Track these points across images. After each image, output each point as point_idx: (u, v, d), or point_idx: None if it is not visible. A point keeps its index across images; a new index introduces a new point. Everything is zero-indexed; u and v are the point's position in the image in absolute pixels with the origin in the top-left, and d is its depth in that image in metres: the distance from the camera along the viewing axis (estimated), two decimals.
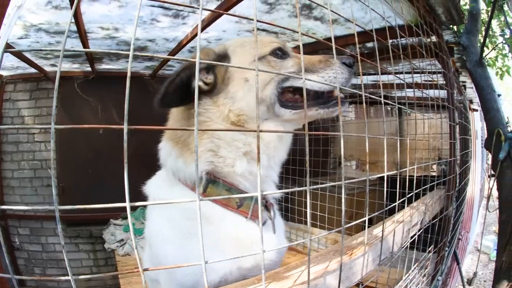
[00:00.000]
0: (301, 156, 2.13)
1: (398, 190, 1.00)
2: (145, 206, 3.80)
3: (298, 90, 1.05)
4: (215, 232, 0.98)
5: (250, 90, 1.00)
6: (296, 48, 2.75)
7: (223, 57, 1.07)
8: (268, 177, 1.10)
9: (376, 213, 0.92)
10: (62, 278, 0.52)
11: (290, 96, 1.06)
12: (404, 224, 1.19)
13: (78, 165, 4.03)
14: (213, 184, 1.01)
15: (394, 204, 0.99)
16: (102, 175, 3.83)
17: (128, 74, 0.52)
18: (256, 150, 0.94)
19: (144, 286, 0.54)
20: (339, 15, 0.94)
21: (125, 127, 0.50)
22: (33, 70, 3.66)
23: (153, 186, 1.18)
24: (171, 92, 0.97)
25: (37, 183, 4.06)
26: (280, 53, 1.07)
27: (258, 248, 0.84)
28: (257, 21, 0.66)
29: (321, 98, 1.07)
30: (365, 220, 0.87)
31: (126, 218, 3.70)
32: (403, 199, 0.99)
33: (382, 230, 0.91)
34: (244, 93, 1.01)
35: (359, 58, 0.91)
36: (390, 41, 1.94)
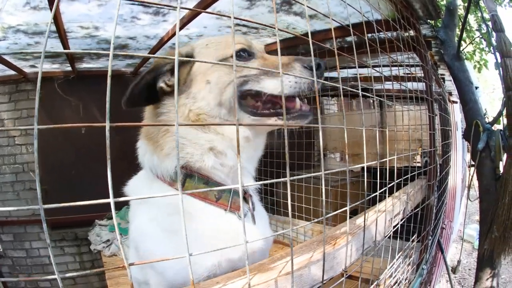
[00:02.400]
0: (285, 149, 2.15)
1: (379, 180, 1.03)
2: (129, 206, 3.79)
3: (259, 95, 1.05)
4: (197, 226, 0.98)
5: (211, 91, 1.01)
6: (275, 43, 2.78)
7: (189, 57, 1.07)
8: (243, 169, 1.10)
9: (359, 203, 0.94)
10: (49, 277, 0.52)
11: (252, 101, 1.06)
12: (386, 213, 1.23)
13: (61, 166, 3.98)
14: (190, 178, 1.02)
15: (375, 194, 1.01)
16: (86, 176, 3.78)
17: (109, 73, 0.53)
18: (219, 146, 1.02)
19: (130, 281, 0.54)
20: (316, 11, 0.95)
21: (107, 124, 0.50)
22: (12, 72, 3.58)
23: (133, 186, 1.18)
24: (137, 93, 0.99)
25: (19, 187, 3.98)
26: (244, 54, 1.07)
27: (241, 239, 0.89)
28: (235, 18, 0.67)
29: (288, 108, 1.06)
30: (348, 211, 0.88)
31: (111, 218, 3.66)
32: (383, 189, 1.01)
33: (364, 220, 0.93)
34: (205, 93, 1.02)
35: (336, 52, 0.91)
36: (369, 35, 1.98)
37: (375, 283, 1.21)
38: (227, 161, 1.04)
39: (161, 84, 1.03)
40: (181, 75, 1.04)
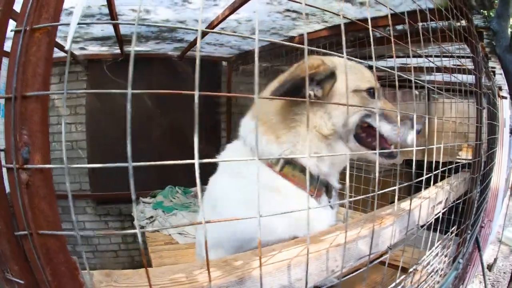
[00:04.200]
0: None
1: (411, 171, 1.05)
2: (174, 185, 3.97)
3: (370, 128, 1.21)
4: (284, 202, 1.12)
5: (342, 113, 1.15)
6: (323, 30, 2.76)
7: (332, 74, 1.18)
8: (331, 175, 1.25)
9: (403, 185, 0.97)
10: (130, 232, 0.57)
11: (360, 131, 1.22)
12: (429, 200, 1.25)
13: (107, 144, 4.14)
14: (289, 164, 1.16)
15: (409, 183, 1.04)
16: (133, 157, 3.93)
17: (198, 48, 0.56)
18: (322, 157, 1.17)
19: (205, 239, 0.58)
20: None
21: (196, 93, 0.53)
22: (62, 54, 3.77)
23: (228, 156, 1.31)
24: (289, 91, 1.09)
25: (68, 163, 4.22)
26: (371, 92, 1.21)
27: (315, 221, 1.10)
28: (306, 4, 0.72)
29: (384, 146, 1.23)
30: (394, 194, 0.92)
31: (154, 196, 3.83)
32: (419, 179, 1.05)
33: (410, 203, 0.96)
34: (339, 113, 1.15)
35: (392, 40, 0.95)
36: (420, 24, 1.95)
37: (414, 267, 1.24)
38: (323, 166, 1.20)
39: (309, 91, 1.14)
40: (325, 88, 1.16)
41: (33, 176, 0.54)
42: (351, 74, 1.20)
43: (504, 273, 5.42)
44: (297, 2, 0.70)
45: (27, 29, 0.54)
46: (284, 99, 1.14)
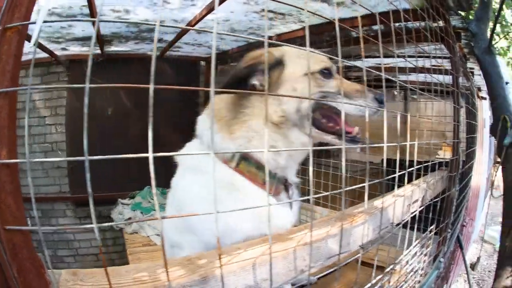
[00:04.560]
0: None
1: (383, 168, 1.04)
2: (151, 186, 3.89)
3: (328, 112, 1.20)
4: (242, 200, 1.10)
5: (294, 99, 1.13)
6: (300, 30, 2.77)
7: (279, 62, 1.17)
8: (289, 167, 1.25)
9: (371, 183, 0.96)
10: (88, 226, 0.57)
11: (319, 116, 1.20)
12: (404, 198, 1.24)
13: (87, 145, 4.07)
14: (245, 160, 1.16)
15: (388, 178, 1.03)
16: (108, 151, 3.89)
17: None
18: (280, 147, 1.16)
19: (161, 234, 0.58)
20: None
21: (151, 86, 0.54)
22: (44, 55, 3.71)
23: (186, 156, 1.28)
24: (231, 84, 1.11)
25: (48, 165, 4.14)
26: (326, 72, 1.19)
27: (276, 219, 1.09)
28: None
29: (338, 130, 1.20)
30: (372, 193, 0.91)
31: (133, 197, 3.80)
32: (390, 177, 1.04)
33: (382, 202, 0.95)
34: (289, 99, 1.14)
35: (361, 40, 0.95)
36: (396, 24, 1.96)
37: (391, 266, 1.23)
38: (280, 159, 1.19)
39: (255, 81, 1.14)
40: (272, 77, 1.16)
41: (0, 171, 0.55)
42: (302, 59, 1.18)
43: (489, 271, 5.51)
44: None
45: (0, 28, 0.56)
46: (238, 92, 1.15)
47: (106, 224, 0.62)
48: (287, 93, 1.14)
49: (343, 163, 0.72)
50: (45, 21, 0.58)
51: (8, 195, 0.56)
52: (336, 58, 0.98)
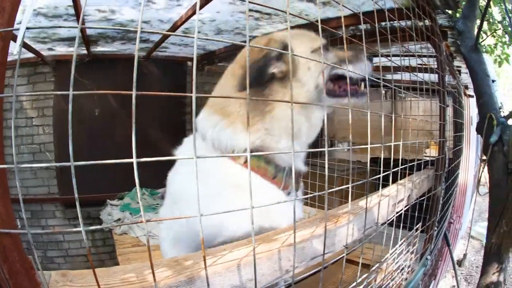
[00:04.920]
0: None
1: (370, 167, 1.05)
2: (141, 186, 3.89)
3: (338, 79, 1.25)
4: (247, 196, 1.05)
5: (312, 76, 1.17)
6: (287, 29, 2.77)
7: (285, 47, 1.15)
8: (299, 156, 1.25)
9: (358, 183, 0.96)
10: (74, 229, 0.58)
11: (331, 85, 1.25)
12: (389, 198, 1.26)
13: (74, 147, 4.04)
14: (254, 156, 1.13)
15: (375, 178, 1.04)
16: (98, 157, 3.86)
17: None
18: (304, 129, 1.18)
19: (147, 236, 0.59)
20: None
21: (133, 92, 0.54)
22: (30, 55, 3.67)
23: (186, 152, 1.26)
24: (254, 78, 1.07)
25: (36, 166, 4.10)
26: (325, 47, 1.25)
27: (285, 213, 1.05)
28: (249, 2, 0.71)
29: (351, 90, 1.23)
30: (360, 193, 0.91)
31: (122, 198, 3.78)
32: (375, 177, 1.05)
33: (366, 202, 0.96)
34: (308, 78, 1.17)
35: (344, 40, 0.96)
36: (383, 23, 1.96)
37: (376, 265, 1.24)
38: (296, 145, 1.17)
39: (273, 70, 1.13)
40: (287, 62, 1.14)
41: None
42: (301, 38, 1.24)
43: (477, 267, 5.58)
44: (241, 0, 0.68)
45: None
46: (222, 97, 1.16)
47: (93, 227, 0.63)
48: (304, 72, 1.16)
49: (326, 167, 0.72)
50: (28, 28, 0.59)
51: None
52: (319, 61, 1.00)
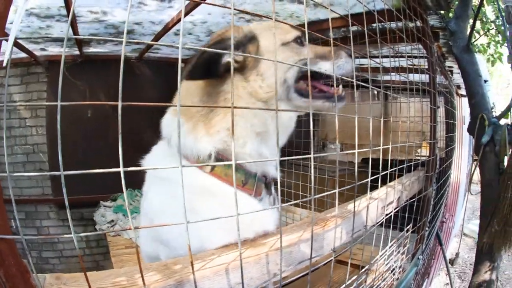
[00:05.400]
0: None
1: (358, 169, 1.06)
2: (133, 188, 3.90)
3: (313, 77, 1.07)
4: (220, 207, 0.99)
5: (279, 69, 1.06)
6: (275, 32, 2.77)
7: (251, 38, 1.10)
8: (271, 157, 1.13)
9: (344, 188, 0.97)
10: (66, 235, 0.59)
11: (303, 85, 1.12)
12: (378, 201, 1.26)
13: (68, 149, 3.99)
14: (220, 164, 1.04)
15: (365, 180, 1.04)
16: (91, 158, 3.87)
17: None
18: (270, 131, 1.07)
19: (135, 242, 0.60)
20: (314, 0, 0.97)
21: (119, 103, 0.55)
22: (23, 55, 3.65)
23: (152, 161, 1.18)
24: (200, 66, 0.99)
25: (29, 167, 4.11)
26: (299, 41, 1.15)
27: (258, 221, 0.99)
28: (235, 9, 0.71)
29: (327, 92, 1.16)
30: (336, 194, 0.91)
31: (115, 200, 3.78)
32: (364, 181, 1.03)
33: (354, 206, 0.97)
34: (272, 73, 1.04)
35: (331, 42, 0.95)
36: (373, 25, 1.97)
37: (366, 267, 1.25)
38: (264, 148, 1.10)
39: (228, 58, 1.01)
40: (249, 52, 1.07)
41: None
42: (272, 31, 1.11)
43: (470, 264, 5.63)
44: (227, 7, 0.69)
45: None
46: (206, 106, 1.07)
47: (84, 234, 0.64)
48: (268, 66, 1.05)
49: (312, 171, 0.72)
50: (17, 38, 0.59)
51: None
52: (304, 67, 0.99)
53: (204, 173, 1.04)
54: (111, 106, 4.26)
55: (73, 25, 2.50)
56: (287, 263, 0.87)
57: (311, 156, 0.73)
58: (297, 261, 0.88)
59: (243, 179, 1.08)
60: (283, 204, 0.78)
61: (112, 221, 3.23)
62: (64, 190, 0.55)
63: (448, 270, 3.27)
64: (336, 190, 0.85)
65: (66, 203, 0.56)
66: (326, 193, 0.84)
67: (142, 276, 0.63)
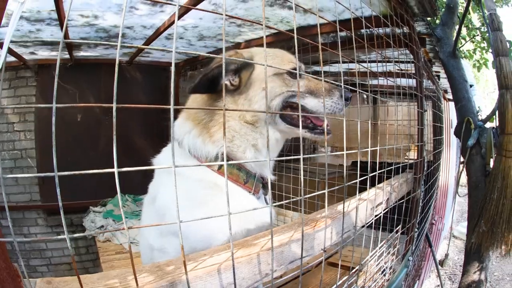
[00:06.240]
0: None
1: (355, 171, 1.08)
2: (124, 193, 3.87)
3: (297, 109, 1.22)
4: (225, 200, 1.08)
5: (264, 97, 1.17)
6: (268, 36, 2.82)
7: (250, 63, 1.21)
8: (265, 164, 1.27)
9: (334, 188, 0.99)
10: (59, 237, 0.60)
11: (291, 111, 1.24)
12: (368, 202, 1.29)
13: (57, 153, 3.98)
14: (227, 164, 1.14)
15: (354, 182, 1.07)
16: (81, 162, 3.85)
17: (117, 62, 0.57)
18: (259, 144, 1.22)
19: (128, 242, 0.60)
20: (301, 6, 1.00)
21: (114, 105, 0.56)
22: (12, 59, 3.62)
23: (164, 159, 1.32)
24: (202, 83, 1.13)
25: (17, 172, 4.03)
26: (295, 73, 1.19)
27: (257, 215, 1.15)
28: (226, 15, 0.74)
29: (315, 124, 1.26)
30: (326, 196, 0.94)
31: (105, 205, 3.75)
32: (353, 182, 1.08)
33: (343, 206, 0.99)
34: (260, 99, 1.18)
35: (320, 47, 0.98)
36: (362, 30, 2.01)
37: (356, 267, 1.27)
38: (260, 156, 1.25)
39: (226, 81, 1.18)
40: (243, 77, 1.21)
41: None
42: (271, 59, 1.25)
43: (460, 266, 5.67)
44: (218, 13, 0.71)
45: None
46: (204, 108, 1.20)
47: (78, 235, 0.64)
48: (257, 91, 1.19)
49: (301, 173, 0.74)
50: (11, 42, 0.59)
51: None
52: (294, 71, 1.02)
53: (213, 171, 1.19)
54: (101, 110, 4.26)
55: (63, 29, 2.49)
56: (278, 263, 0.89)
57: (301, 157, 0.75)
58: (288, 260, 0.90)
59: (245, 178, 1.24)
60: (279, 203, 0.80)
61: (102, 226, 3.20)
62: (58, 191, 0.55)
63: (438, 272, 3.30)
64: (326, 191, 0.87)
65: (60, 204, 0.56)
66: (315, 193, 0.86)
67: (135, 277, 0.64)
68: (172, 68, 0.65)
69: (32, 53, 3.62)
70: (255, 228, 1.18)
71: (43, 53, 3.68)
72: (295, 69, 1.22)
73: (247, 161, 1.24)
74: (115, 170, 0.59)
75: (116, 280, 0.73)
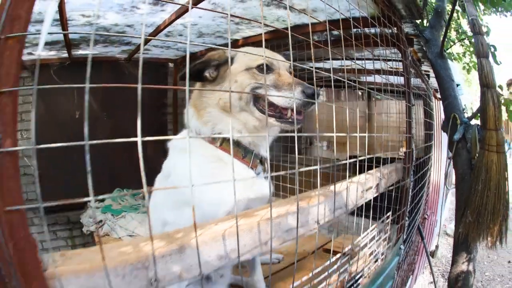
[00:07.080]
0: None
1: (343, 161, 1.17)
2: (122, 187, 3.89)
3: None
4: (229, 172, 1.19)
5: (236, 88, 1.39)
6: (265, 34, 2.92)
7: (231, 60, 1.41)
8: (261, 144, 1.48)
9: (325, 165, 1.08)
10: (84, 199, 0.66)
11: (262, 102, 1.40)
12: (358, 184, 1.39)
13: (54, 151, 3.97)
14: (226, 141, 1.41)
15: (344, 162, 1.15)
16: (78, 161, 3.81)
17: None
18: (237, 127, 1.44)
19: (148, 211, 0.67)
20: (293, 7, 1.09)
21: (139, 86, 0.63)
22: None
23: (181, 140, 1.51)
24: (190, 73, 1.23)
25: None
26: (262, 68, 1.40)
27: (257, 186, 1.37)
28: (231, 15, 0.84)
29: (282, 113, 1.40)
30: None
31: (103, 200, 3.73)
32: (342, 162, 1.18)
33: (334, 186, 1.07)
34: (232, 89, 1.38)
35: (312, 45, 1.08)
36: (354, 30, 2.13)
37: (348, 247, 1.35)
38: (247, 138, 1.45)
39: (206, 73, 1.42)
40: (221, 70, 1.42)
41: (3, 158, 0.63)
42: (246, 57, 1.42)
43: None
44: (224, 13, 0.79)
45: (2, 37, 0.64)
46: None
47: (102, 196, 0.69)
48: (231, 83, 1.38)
49: (296, 156, 0.83)
50: (49, 33, 0.66)
51: (10, 179, 0.63)
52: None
53: (216, 148, 1.41)
54: (100, 107, 4.28)
55: (64, 28, 2.55)
56: (276, 232, 0.97)
57: (296, 156, 0.84)
58: (285, 230, 0.98)
59: (243, 153, 1.44)
60: (276, 173, 0.88)
61: (101, 221, 3.21)
62: (87, 157, 0.64)
63: (431, 268, 3.40)
64: (318, 167, 0.96)
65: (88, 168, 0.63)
66: (311, 168, 0.95)
67: (151, 238, 0.70)
68: (187, 57, 0.72)
69: (30, 53, 3.63)
70: (255, 198, 1.36)
71: (41, 53, 3.67)
72: (262, 65, 1.39)
73: (244, 136, 1.44)
74: (139, 139, 0.67)
75: (129, 247, 0.80)
